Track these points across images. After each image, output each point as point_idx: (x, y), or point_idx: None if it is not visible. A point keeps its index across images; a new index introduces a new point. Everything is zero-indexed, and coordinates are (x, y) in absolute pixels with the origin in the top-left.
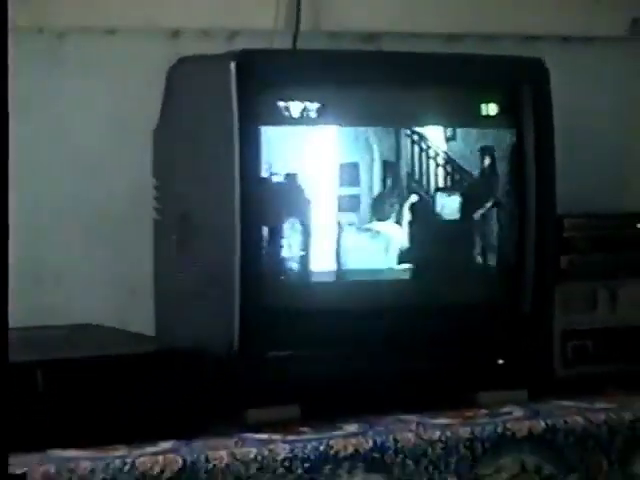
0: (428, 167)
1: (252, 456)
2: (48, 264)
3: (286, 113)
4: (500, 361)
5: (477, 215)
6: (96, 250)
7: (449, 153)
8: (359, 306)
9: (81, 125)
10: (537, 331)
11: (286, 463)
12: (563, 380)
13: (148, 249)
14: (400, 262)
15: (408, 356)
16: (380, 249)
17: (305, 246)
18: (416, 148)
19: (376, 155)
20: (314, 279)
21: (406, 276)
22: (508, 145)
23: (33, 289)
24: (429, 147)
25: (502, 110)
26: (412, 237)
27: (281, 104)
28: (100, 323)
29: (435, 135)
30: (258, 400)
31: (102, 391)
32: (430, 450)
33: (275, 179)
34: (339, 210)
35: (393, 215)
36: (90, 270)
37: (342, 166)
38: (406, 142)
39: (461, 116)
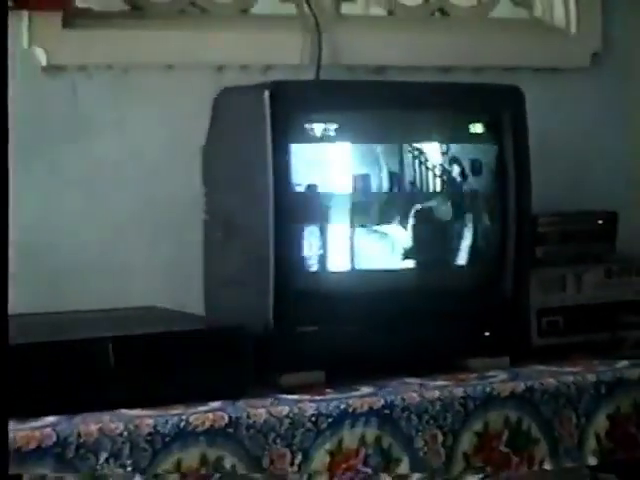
0: (427, 177)
1: (285, 413)
2: (118, 256)
3: (311, 133)
4: (487, 333)
5: (467, 215)
6: (157, 244)
7: (444, 165)
8: (371, 290)
9: (144, 144)
10: (517, 308)
11: (313, 419)
12: (539, 349)
13: (199, 243)
14: (404, 257)
15: (412, 330)
16: (387, 246)
17: (326, 242)
18: (417, 162)
19: (384, 168)
20: (333, 269)
21: (409, 266)
22: (492, 157)
23: (105, 277)
24: (427, 160)
25: (487, 129)
26: (414, 236)
27: (307, 125)
28: (160, 305)
29: (432, 151)
30: (290, 367)
31: (162, 361)
32: (430, 407)
33: (301, 187)
34: (353, 214)
35: (398, 218)
36: (152, 260)
37: (355, 177)
38: (409, 157)
39: (453, 133)
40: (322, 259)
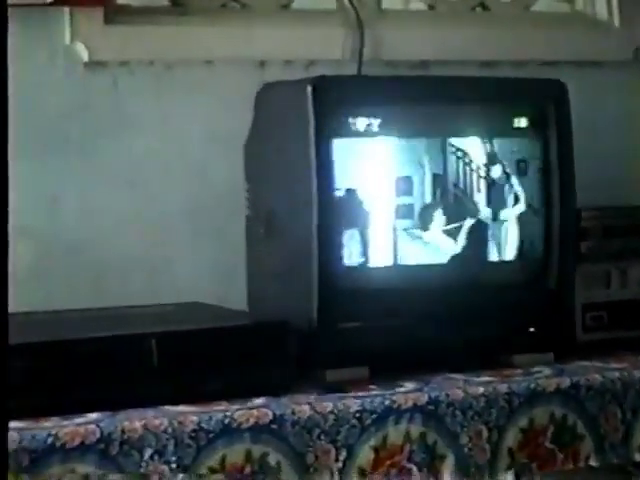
0: (471, 178)
1: (329, 409)
2: (161, 252)
3: (353, 127)
4: (531, 329)
5: (511, 211)
6: (200, 240)
7: (487, 161)
8: (414, 286)
9: (186, 140)
10: (562, 304)
11: (357, 415)
12: (583, 344)
13: (241, 239)
14: (448, 252)
15: (456, 326)
16: (430, 241)
17: (368, 237)
18: (460, 163)
19: (427, 169)
20: (377, 264)
21: (453, 261)
22: (536, 152)
23: (147, 274)
24: (470, 157)
25: (531, 123)
26: (458, 231)
27: (349, 120)
28: (203, 301)
29: (475, 147)
30: (334, 363)
31: (206, 357)
32: (475, 403)
33: (344, 183)
34: (396, 209)
35: (442, 219)
36: (195, 257)
37: (397, 176)
38: (452, 158)
39: (497, 128)
40: (365, 255)
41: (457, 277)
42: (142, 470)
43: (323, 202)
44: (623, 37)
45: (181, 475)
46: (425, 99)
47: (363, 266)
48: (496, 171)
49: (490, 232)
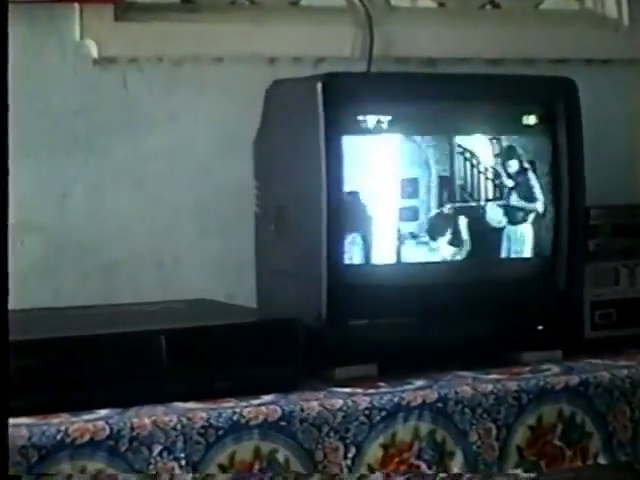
0: (478, 178)
1: (338, 406)
2: (170, 249)
3: (363, 124)
4: (540, 327)
5: (520, 209)
6: (208, 237)
7: (496, 159)
8: (423, 283)
9: (195, 136)
10: (570, 302)
11: (366, 412)
12: (592, 342)
13: (250, 236)
14: (456, 249)
15: (465, 323)
16: (439, 238)
17: (377, 234)
18: (468, 164)
19: (433, 171)
20: (386, 261)
21: (462, 259)
22: (545, 150)
23: (156, 271)
24: (479, 163)
25: (540, 121)
26: (466, 229)
27: (359, 117)
28: (211, 298)
29: (484, 144)
30: (343, 360)
31: (215, 354)
32: (484, 400)
33: (354, 180)
34: (404, 206)
35: (449, 222)
36: (203, 254)
37: (405, 173)
38: (459, 159)
39: (506, 126)
40: (374, 252)
41: (466, 275)
42: (152, 466)
43: (333, 199)
44: (632, 35)
45: (190, 475)
46: (434, 96)
47: (372, 264)
48: (504, 170)
49: (498, 231)
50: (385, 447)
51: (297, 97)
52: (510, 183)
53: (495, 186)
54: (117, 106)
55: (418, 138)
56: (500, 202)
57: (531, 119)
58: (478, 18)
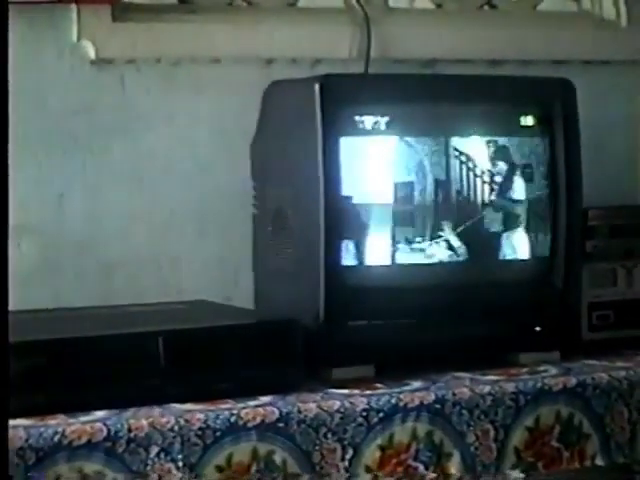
0: (475, 182)
1: (336, 408)
2: (168, 250)
3: (361, 126)
4: (537, 328)
5: (517, 210)
6: (207, 239)
7: (493, 160)
8: (421, 285)
9: (193, 137)
10: (568, 303)
11: (364, 413)
12: (589, 343)
13: (248, 238)
14: (455, 251)
15: (462, 325)
16: (437, 239)
17: (375, 238)
18: (464, 166)
19: (429, 173)
20: (384, 263)
21: (461, 260)
22: (542, 151)
23: (154, 272)
24: (476, 165)
25: (538, 121)
26: (464, 231)
27: (357, 118)
28: (209, 299)
29: (480, 146)
30: (340, 361)
31: (213, 356)
32: (482, 402)
33: (351, 181)
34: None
35: (446, 223)
36: (201, 255)
37: (400, 183)
38: (456, 161)
39: (504, 126)
40: (372, 254)
41: (463, 277)
42: (149, 468)
43: (330, 200)
44: (630, 36)
45: (186, 476)
46: (432, 97)
47: (370, 265)
48: (501, 172)
49: (495, 233)
50: (383, 448)
51: (294, 98)
52: (507, 185)
53: (492, 188)
54: (115, 107)
55: (415, 139)
56: (497, 204)
57: (529, 120)
58: (476, 19)
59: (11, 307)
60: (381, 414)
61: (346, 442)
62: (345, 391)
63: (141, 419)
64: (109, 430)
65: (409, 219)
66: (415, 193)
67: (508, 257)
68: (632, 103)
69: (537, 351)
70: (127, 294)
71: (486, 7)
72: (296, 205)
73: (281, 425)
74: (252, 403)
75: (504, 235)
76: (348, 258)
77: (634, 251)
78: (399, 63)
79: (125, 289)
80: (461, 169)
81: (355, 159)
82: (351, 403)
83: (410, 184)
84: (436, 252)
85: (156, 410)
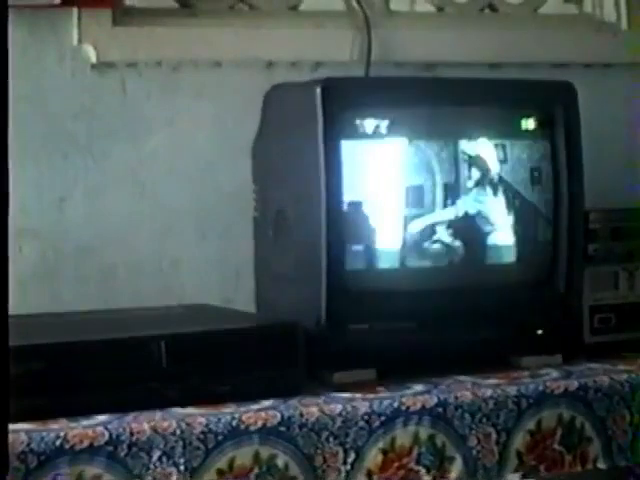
0: (477, 187)
1: (337, 411)
2: (169, 254)
3: (362, 129)
4: (539, 331)
5: (519, 214)
6: (207, 242)
7: (496, 163)
8: (423, 288)
9: (194, 141)
10: (569, 306)
11: (365, 417)
12: (591, 346)
13: (249, 241)
14: (456, 254)
15: (464, 328)
16: (439, 244)
17: (377, 239)
18: (466, 169)
19: (438, 178)
20: (385, 266)
21: (462, 264)
22: (544, 154)
23: (155, 275)
24: (478, 169)
25: (539, 125)
26: (466, 234)
27: (357, 121)
28: (210, 302)
29: (483, 149)
30: (342, 365)
31: (214, 359)
32: (484, 405)
33: (353, 184)
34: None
35: (445, 229)
36: (202, 258)
37: (408, 185)
38: (457, 165)
39: (505, 130)
40: (374, 257)
41: (465, 280)
42: (150, 472)
43: (332, 203)
44: (631, 39)
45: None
46: (433, 101)
47: (372, 268)
48: (504, 171)
49: (498, 235)
50: (385, 452)
51: (295, 101)
52: (508, 188)
53: (494, 191)
54: (116, 111)
55: (416, 143)
56: (498, 207)
57: (530, 123)
58: (477, 22)
59: (12, 311)
60: (383, 418)
61: (348, 446)
62: (347, 395)
63: (143, 423)
64: (111, 434)
65: (410, 222)
66: (417, 196)
67: (510, 260)
68: (632, 106)
69: (539, 354)
70: (128, 297)
71: (487, 10)
72: (297, 208)
73: (283, 429)
74: (254, 407)
75: (506, 239)
76: (350, 261)
77: (636, 254)
78: (400, 66)
79: (126, 292)
80: (463, 172)
81: (356, 162)
82: (353, 407)
83: (412, 187)
84: (437, 255)
85: (158, 414)
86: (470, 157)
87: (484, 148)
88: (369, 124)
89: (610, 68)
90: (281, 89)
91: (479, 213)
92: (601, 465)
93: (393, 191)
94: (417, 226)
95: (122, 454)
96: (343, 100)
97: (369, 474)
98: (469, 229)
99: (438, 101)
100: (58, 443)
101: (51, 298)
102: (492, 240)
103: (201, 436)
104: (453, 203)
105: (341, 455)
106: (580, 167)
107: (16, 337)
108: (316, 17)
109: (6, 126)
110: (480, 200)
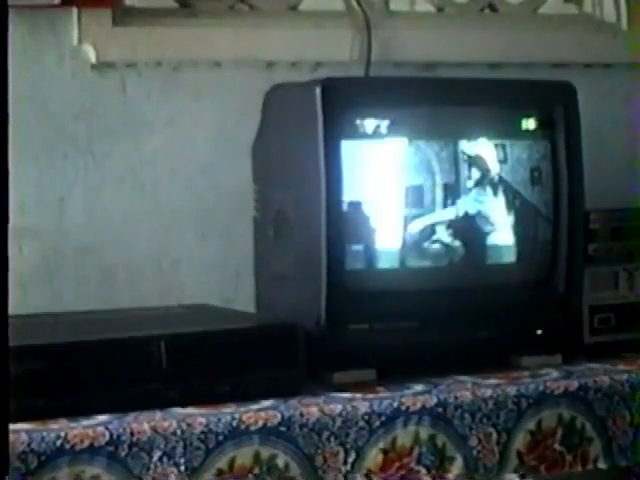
0: (477, 187)
1: (338, 412)
2: (169, 253)
3: (362, 129)
4: (539, 331)
5: (519, 213)
6: (207, 242)
7: (495, 163)
8: (423, 288)
9: (194, 141)
10: (569, 306)
11: (366, 417)
12: (591, 346)
13: (249, 241)
14: (456, 254)
15: (464, 328)
16: (439, 243)
17: (377, 239)
18: (466, 170)
19: (438, 178)
20: (385, 266)
21: (461, 263)
22: (544, 154)
23: (155, 275)
24: (477, 169)
25: (539, 124)
26: (467, 234)
27: (357, 121)
28: (210, 302)
29: (483, 149)
30: (342, 365)
31: (214, 359)
32: (483, 405)
33: (353, 185)
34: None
35: (445, 229)
36: (202, 258)
37: (408, 185)
38: (458, 165)
39: (505, 130)
40: (374, 257)
41: (465, 280)
42: (151, 472)
43: (332, 204)
44: (631, 39)
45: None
46: (433, 101)
47: (372, 268)
48: (504, 171)
49: (498, 235)
50: (385, 452)
51: (296, 101)
52: (508, 188)
53: (494, 191)
54: (116, 111)
55: (416, 142)
56: (499, 207)
57: (530, 123)
58: (477, 22)
59: (12, 311)
60: (383, 418)
61: (348, 446)
62: (347, 395)
63: (143, 423)
64: (111, 434)
65: (410, 222)
66: (416, 196)
67: (510, 260)
68: (632, 106)
69: (539, 354)
70: (128, 297)
71: (487, 10)
72: (297, 208)
73: (283, 429)
74: (254, 407)
75: (506, 238)
76: (350, 261)
77: (636, 254)
78: (400, 66)
79: (126, 292)
80: (463, 172)
81: (356, 162)
82: (353, 407)
83: (412, 187)
84: (437, 255)
85: (158, 414)
86: (470, 157)
87: (484, 148)
88: (369, 124)
89: (610, 68)
90: (281, 89)
91: (479, 213)
92: (602, 465)
93: (393, 191)
94: (417, 226)
95: (122, 454)
96: (343, 100)
97: (369, 474)
98: (469, 229)
99: (438, 101)
100: (58, 443)
101: (51, 298)
102: (492, 240)
103: (201, 436)
104: (453, 203)
105: (341, 455)
106: (580, 167)
107: (16, 337)
108: (316, 17)
109: (6, 126)
110: (480, 200)
